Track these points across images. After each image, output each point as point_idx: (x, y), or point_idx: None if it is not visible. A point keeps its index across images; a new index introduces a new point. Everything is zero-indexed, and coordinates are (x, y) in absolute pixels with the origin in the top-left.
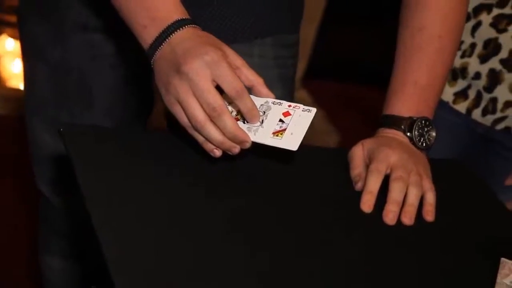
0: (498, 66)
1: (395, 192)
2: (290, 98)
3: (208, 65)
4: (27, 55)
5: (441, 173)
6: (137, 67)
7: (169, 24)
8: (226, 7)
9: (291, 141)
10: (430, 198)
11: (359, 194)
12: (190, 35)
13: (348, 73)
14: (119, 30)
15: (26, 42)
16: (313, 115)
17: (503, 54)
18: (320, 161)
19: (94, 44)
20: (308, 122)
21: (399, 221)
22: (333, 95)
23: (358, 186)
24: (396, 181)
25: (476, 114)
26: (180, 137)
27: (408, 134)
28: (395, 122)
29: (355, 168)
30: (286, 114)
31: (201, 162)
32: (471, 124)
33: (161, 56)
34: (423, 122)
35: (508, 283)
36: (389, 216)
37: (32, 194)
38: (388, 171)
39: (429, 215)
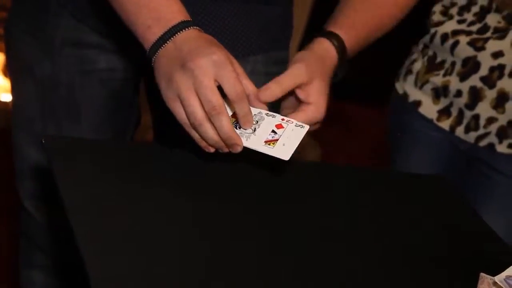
0: (479, 84)
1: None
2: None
3: (214, 64)
4: (15, 71)
5: (423, 187)
6: (126, 82)
7: (175, 24)
8: (218, 26)
9: (283, 151)
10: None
11: (340, 206)
12: (195, 35)
13: (330, 88)
14: (111, 46)
15: (14, 58)
16: (306, 131)
17: (483, 71)
18: (301, 175)
19: (85, 59)
20: (301, 137)
21: (374, 236)
22: None
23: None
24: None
25: (459, 131)
26: (165, 149)
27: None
28: (341, 48)
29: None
30: (279, 126)
31: (187, 175)
32: (455, 141)
33: (164, 54)
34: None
35: None
36: None
37: (15, 208)
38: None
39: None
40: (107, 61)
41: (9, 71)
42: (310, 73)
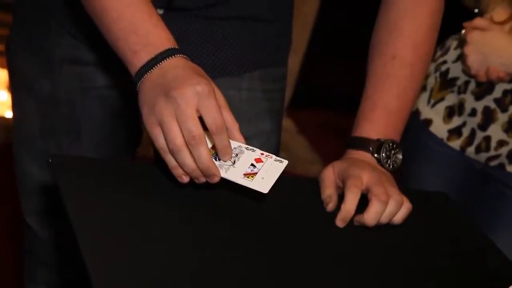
0: (492, 105)
1: (376, 207)
2: (278, 130)
3: (197, 95)
4: (15, 88)
5: (425, 203)
6: (126, 99)
7: (162, 51)
8: (213, 42)
9: (262, 184)
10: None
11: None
12: (182, 64)
13: (332, 102)
14: (110, 63)
15: (15, 75)
16: (285, 166)
17: (497, 93)
18: (303, 190)
19: (84, 77)
20: (279, 172)
21: (374, 251)
22: (317, 124)
23: (330, 207)
24: (376, 197)
25: (470, 151)
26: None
27: (376, 155)
28: (363, 143)
29: (326, 189)
30: (258, 160)
31: (189, 193)
32: (467, 160)
33: (150, 78)
34: (390, 144)
35: None
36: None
37: (18, 224)
38: (363, 188)
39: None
40: (105, 78)
41: (10, 88)
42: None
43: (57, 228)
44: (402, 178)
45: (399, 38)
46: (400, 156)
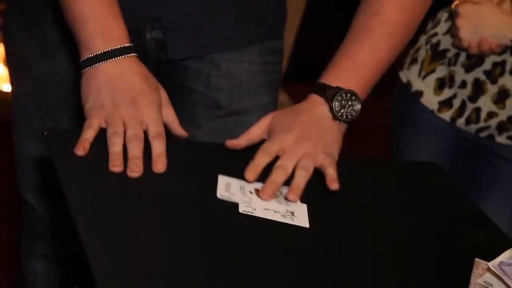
0: (482, 77)
1: (274, 176)
2: (275, 103)
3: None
4: (14, 69)
5: (417, 175)
6: None
7: (119, 47)
8: (214, 18)
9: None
10: (331, 173)
11: (331, 195)
12: (137, 69)
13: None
14: None
15: (13, 54)
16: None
17: (486, 65)
18: None
19: None
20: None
21: (366, 224)
22: None
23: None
24: (277, 169)
25: (460, 122)
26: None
27: (330, 103)
28: (322, 89)
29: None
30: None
31: (187, 168)
32: (458, 131)
33: (104, 71)
34: (348, 94)
35: (482, 283)
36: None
37: (13, 200)
38: (280, 153)
39: (333, 184)
40: None
41: (8, 66)
42: (277, 124)
43: (55, 202)
44: (395, 149)
45: None
46: (357, 108)
